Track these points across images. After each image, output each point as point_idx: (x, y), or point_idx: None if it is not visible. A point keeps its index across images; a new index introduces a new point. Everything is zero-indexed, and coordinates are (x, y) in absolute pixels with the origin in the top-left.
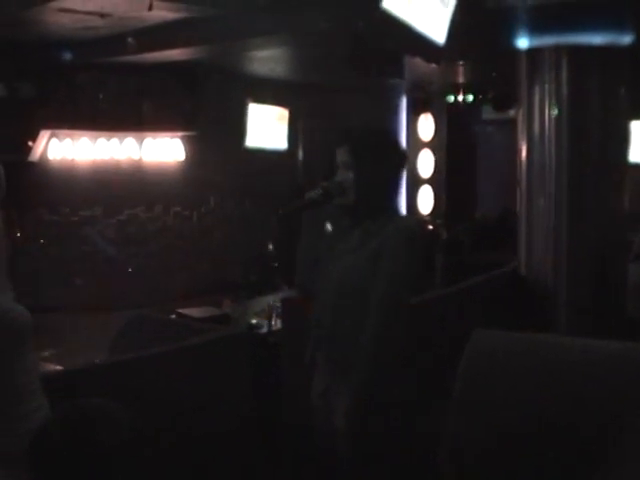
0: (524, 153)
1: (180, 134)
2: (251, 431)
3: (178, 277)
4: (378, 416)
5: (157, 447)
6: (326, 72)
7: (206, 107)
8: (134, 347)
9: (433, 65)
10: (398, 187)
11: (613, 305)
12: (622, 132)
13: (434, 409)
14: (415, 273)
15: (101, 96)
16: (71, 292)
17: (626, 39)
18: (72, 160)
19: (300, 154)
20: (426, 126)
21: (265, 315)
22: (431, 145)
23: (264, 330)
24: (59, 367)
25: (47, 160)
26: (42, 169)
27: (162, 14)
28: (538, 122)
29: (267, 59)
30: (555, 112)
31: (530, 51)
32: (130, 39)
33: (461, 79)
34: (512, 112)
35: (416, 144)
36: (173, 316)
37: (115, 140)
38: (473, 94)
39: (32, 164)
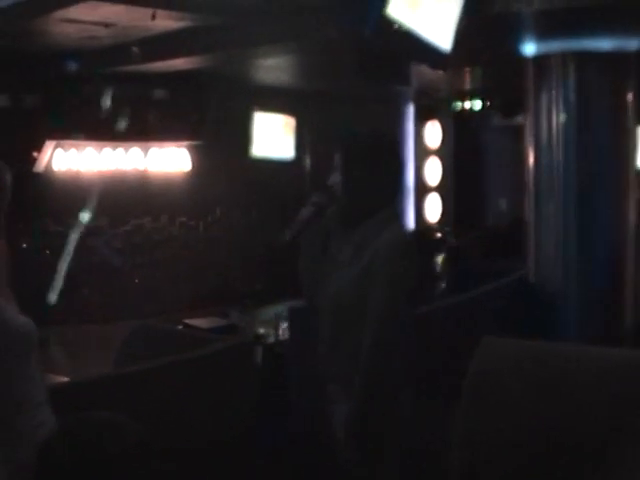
0: (532, 159)
1: (186, 144)
2: (257, 441)
3: (184, 287)
4: (378, 429)
5: (164, 459)
6: (332, 80)
7: (212, 116)
8: (139, 358)
9: (439, 72)
10: (392, 193)
11: (624, 312)
12: (630, 138)
13: (440, 418)
14: (408, 284)
15: (106, 106)
16: (77, 303)
17: (633, 44)
18: (77, 171)
19: (307, 163)
20: (433, 133)
21: (272, 325)
22: (438, 152)
23: (271, 340)
24: (65, 379)
25: (52, 171)
26: (47, 180)
27: (166, 23)
28: (546, 128)
29: (272, 67)
30: (562, 118)
31: (537, 57)
32: (135, 48)
33: (468, 86)
34: (520, 118)
35: (423, 152)
36: (180, 326)
37: (120, 150)
38: (481, 101)
39: (37, 175)
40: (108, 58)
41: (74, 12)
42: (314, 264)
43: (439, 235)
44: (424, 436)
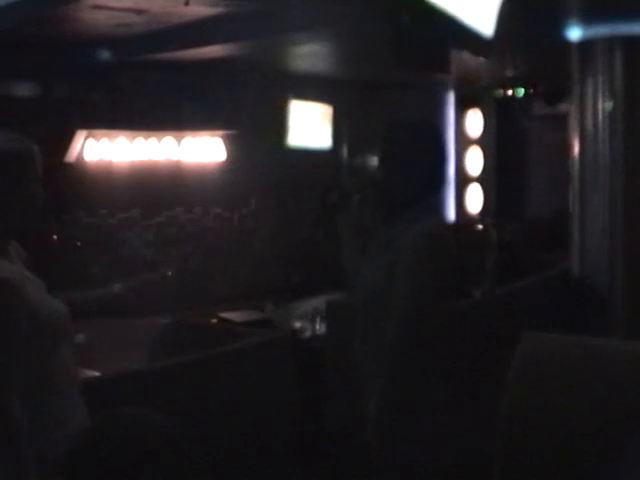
0: (577, 149)
1: (220, 133)
2: (295, 438)
3: (218, 280)
4: (406, 421)
5: (198, 455)
6: (370, 68)
7: (247, 105)
8: (173, 353)
9: (481, 58)
10: (433, 184)
11: None
12: None
13: (478, 414)
14: (438, 281)
15: (139, 95)
16: (109, 296)
17: None
18: (109, 161)
19: (344, 153)
20: (474, 122)
21: (308, 319)
22: (480, 142)
23: (308, 335)
24: (96, 373)
25: (83, 161)
26: (78, 170)
27: (200, 10)
28: (591, 117)
29: (309, 55)
30: (609, 106)
31: (582, 42)
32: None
33: (510, 73)
34: (564, 106)
35: (464, 141)
36: (214, 320)
37: (153, 140)
38: (524, 88)
39: (68, 165)
40: (140, 46)
41: None
42: (355, 255)
43: (480, 227)
44: (460, 433)
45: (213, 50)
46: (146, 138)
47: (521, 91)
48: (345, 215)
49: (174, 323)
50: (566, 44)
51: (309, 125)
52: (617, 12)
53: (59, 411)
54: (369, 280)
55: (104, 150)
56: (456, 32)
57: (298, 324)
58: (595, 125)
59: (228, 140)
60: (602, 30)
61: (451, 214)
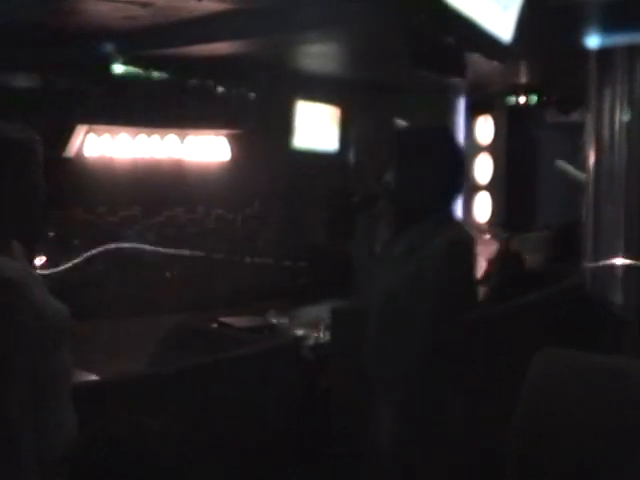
0: (592, 159)
1: (225, 132)
2: (296, 447)
3: (219, 283)
4: (425, 434)
5: (199, 460)
6: (380, 69)
7: (253, 104)
8: (175, 357)
9: (495, 64)
10: (450, 192)
11: None
12: None
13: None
14: (465, 289)
15: (142, 91)
16: (107, 296)
17: None
18: (110, 157)
19: (351, 156)
20: (485, 129)
21: (311, 326)
22: (490, 149)
23: (311, 342)
24: (94, 376)
25: (83, 157)
26: (78, 166)
27: (208, 4)
28: (608, 126)
29: (319, 54)
30: (627, 116)
31: (601, 51)
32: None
33: (523, 79)
34: (576, 115)
35: (474, 148)
36: (215, 325)
37: (156, 137)
38: (537, 96)
39: (68, 160)
40: (145, 40)
41: None
42: (369, 262)
43: (488, 236)
44: (473, 442)
45: (220, 47)
46: (149, 135)
47: (534, 98)
48: (365, 217)
49: (175, 327)
50: (583, 52)
51: (316, 127)
52: (637, 21)
53: (58, 413)
54: (387, 286)
55: (105, 146)
56: (472, 35)
57: (301, 331)
58: (612, 135)
59: (233, 140)
60: (621, 38)
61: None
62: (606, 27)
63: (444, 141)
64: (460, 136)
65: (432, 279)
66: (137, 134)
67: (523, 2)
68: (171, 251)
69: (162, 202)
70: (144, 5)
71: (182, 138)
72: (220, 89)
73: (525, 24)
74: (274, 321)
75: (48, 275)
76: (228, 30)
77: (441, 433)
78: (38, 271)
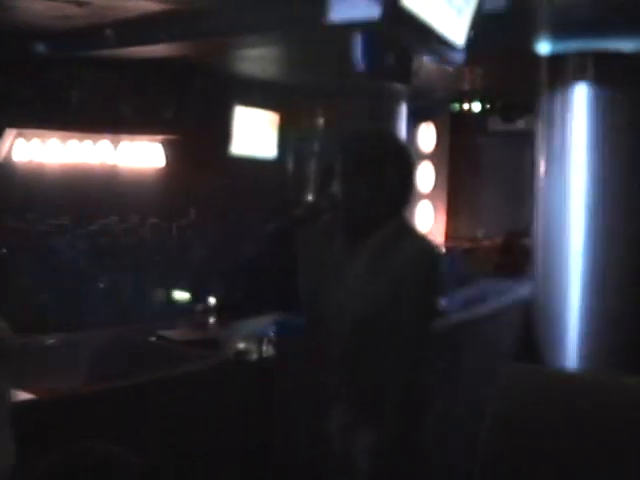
0: (543, 168)
1: (160, 138)
2: (240, 467)
3: (154, 295)
4: (408, 454)
5: None
6: (321, 74)
7: (190, 109)
8: (113, 374)
9: (441, 70)
10: (401, 201)
11: None
12: None
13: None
14: (437, 299)
15: (74, 93)
16: (36, 309)
17: None
18: (40, 163)
19: (290, 163)
20: (427, 136)
21: (254, 340)
22: (432, 157)
23: (254, 357)
24: (29, 395)
25: (12, 162)
26: (6, 171)
27: (146, 5)
28: (559, 134)
29: (258, 58)
30: (577, 124)
31: (552, 57)
32: (108, 31)
33: (467, 86)
34: (520, 123)
35: (416, 156)
36: (153, 338)
37: (88, 142)
38: (480, 103)
39: None
40: (79, 41)
41: None
42: (316, 276)
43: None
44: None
45: (157, 49)
46: (80, 140)
47: (478, 106)
48: (309, 230)
49: (115, 339)
50: (531, 59)
51: (254, 133)
52: (589, 27)
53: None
54: (353, 301)
55: (35, 151)
56: (428, 39)
57: (242, 345)
58: (563, 143)
59: (168, 146)
60: (573, 45)
61: None
62: (557, 33)
63: (396, 147)
64: None
65: (411, 291)
66: (68, 139)
67: (477, 7)
68: (104, 261)
69: (95, 210)
70: (80, 4)
71: (116, 144)
72: (156, 93)
73: (472, 29)
74: (214, 334)
75: None
76: (165, 32)
77: (424, 449)
78: None
